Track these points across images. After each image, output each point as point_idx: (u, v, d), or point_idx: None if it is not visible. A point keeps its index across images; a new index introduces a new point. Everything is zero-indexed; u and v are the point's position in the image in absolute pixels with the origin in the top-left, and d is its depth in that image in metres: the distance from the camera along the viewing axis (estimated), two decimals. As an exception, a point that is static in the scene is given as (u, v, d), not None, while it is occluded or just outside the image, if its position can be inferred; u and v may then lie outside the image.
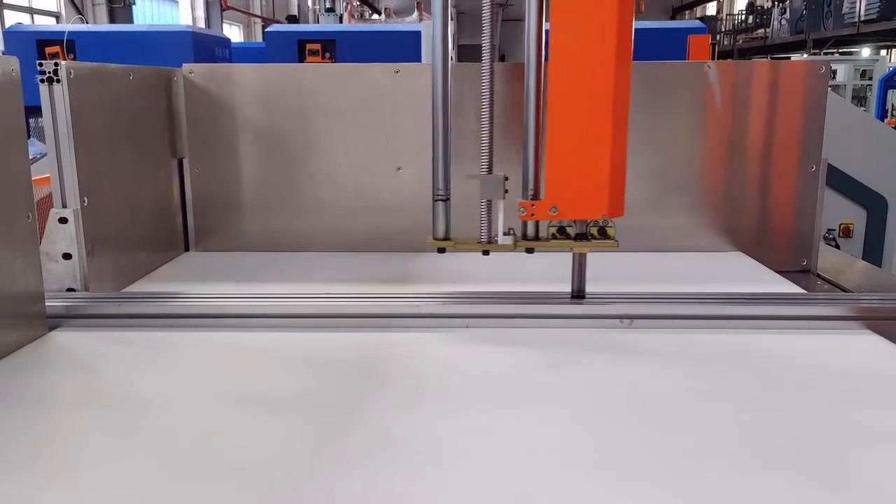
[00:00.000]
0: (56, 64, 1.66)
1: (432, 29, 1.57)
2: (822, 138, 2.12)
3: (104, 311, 1.62)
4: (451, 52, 1.61)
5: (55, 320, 1.58)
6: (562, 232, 1.55)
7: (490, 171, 1.57)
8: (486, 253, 1.59)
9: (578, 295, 1.62)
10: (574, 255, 1.60)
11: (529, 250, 1.60)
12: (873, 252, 4.17)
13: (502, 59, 3.59)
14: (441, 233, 1.63)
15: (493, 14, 1.57)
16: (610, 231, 1.54)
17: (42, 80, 1.66)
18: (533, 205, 1.52)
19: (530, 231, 1.58)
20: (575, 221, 1.54)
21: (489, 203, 1.57)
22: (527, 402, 1.25)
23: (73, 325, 1.59)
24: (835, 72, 14.82)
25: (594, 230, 1.54)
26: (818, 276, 2.15)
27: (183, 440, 1.11)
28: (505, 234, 1.56)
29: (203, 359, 1.45)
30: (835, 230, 4.18)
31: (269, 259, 2.20)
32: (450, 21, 1.56)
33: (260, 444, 1.09)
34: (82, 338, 1.54)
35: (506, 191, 1.55)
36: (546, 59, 1.50)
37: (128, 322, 1.61)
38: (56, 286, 1.70)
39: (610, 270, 2.04)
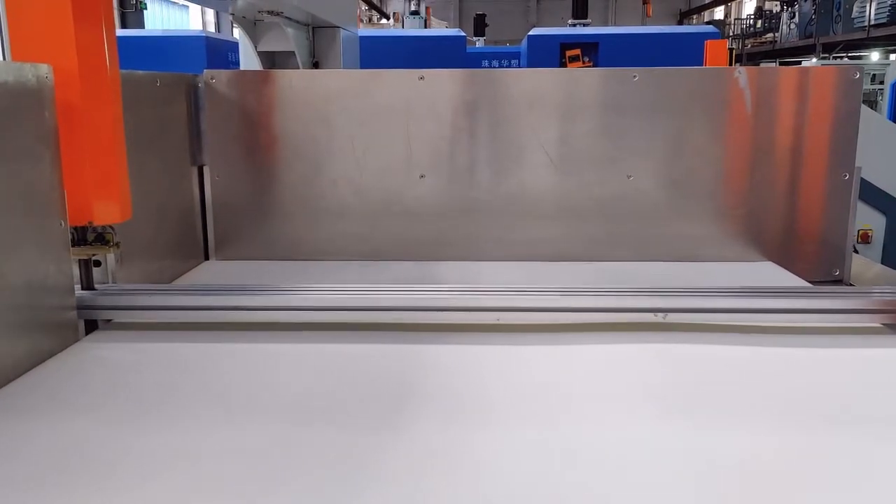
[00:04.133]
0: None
1: None
2: (856, 146, 2.09)
3: (136, 318, 1.61)
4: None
5: (87, 327, 1.57)
6: None
7: None
8: None
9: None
10: (79, 262, 1.61)
11: None
12: (893, 258, 4.13)
13: (316, 65, 3.62)
14: None
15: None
16: (108, 237, 1.58)
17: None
18: None
19: None
20: (75, 228, 1.56)
21: None
22: (566, 411, 1.23)
23: (105, 333, 1.58)
24: (845, 76, 14.71)
25: (92, 236, 1.57)
26: (851, 286, 2.12)
27: (225, 452, 1.09)
28: None
29: (238, 368, 1.43)
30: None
31: (290, 267, 2.18)
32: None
33: (303, 456, 1.07)
34: (114, 345, 1.53)
35: None
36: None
37: (160, 330, 1.59)
38: (84, 294, 1.68)
39: (644, 279, 2.02)
